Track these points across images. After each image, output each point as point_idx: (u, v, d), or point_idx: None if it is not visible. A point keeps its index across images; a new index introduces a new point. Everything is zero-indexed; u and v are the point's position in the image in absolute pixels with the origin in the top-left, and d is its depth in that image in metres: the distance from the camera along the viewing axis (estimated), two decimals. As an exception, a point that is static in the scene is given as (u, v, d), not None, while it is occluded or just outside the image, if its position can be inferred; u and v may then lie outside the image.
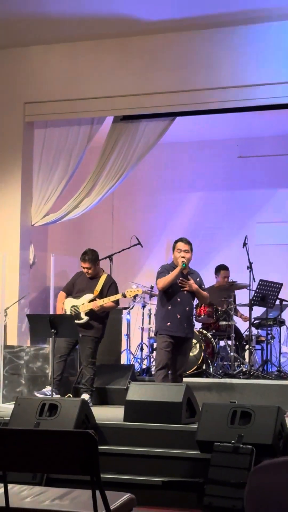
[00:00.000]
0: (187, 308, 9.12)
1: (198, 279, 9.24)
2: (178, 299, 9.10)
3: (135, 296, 11.91)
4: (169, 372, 9.19)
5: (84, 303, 9.81)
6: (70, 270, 10.45)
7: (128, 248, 11.83)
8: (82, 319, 9.76)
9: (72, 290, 10.03)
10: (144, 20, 10.80)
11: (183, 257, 9.04)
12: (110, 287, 9.91)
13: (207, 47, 10.86)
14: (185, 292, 9.08)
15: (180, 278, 8.97)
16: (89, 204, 11.75)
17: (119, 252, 11.67)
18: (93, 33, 11.19)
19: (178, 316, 9.07)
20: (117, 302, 9.90)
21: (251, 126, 12.73)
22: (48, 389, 9.52)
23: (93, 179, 11.72)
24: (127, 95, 11.25)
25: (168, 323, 9.22)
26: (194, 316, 9.73)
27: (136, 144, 11.61)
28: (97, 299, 9.75)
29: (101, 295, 9.80)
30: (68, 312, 9.81)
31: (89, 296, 9.84)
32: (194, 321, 9.24)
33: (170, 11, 10.55)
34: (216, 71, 10.79)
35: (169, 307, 9.19)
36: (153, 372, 11.67)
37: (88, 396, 9.81)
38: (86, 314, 9.78)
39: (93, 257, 9.91)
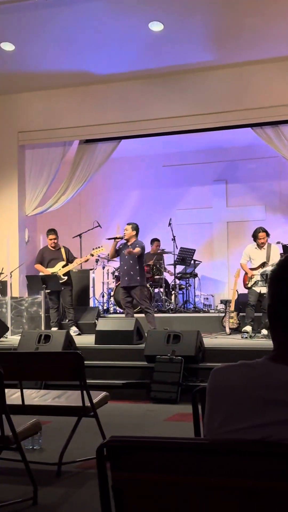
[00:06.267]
0: (125, 267, 9.05)
1: (137, 245, 9.02)
2: (122, 262, 9.17)
3: (97, 261, 11.89)
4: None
5: (60, 269, 9.78)
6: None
7: (92, 229, 11.74)
8: (63, 279, 9.71)
9: (43, 261, 9.95)
10: (98, 73, 10.65)
11: (124, 232, 9.12)
12: (69, 253, 10.06)
13: (141, 91, 10.72)
14: (126, 257, 9.03)
15: (125, 251, 8.96)
16: (65, 200, 11.58)
17: (85, 232, 11.59)
18: (63, 83, 10.96)
19: (122, 273, 9.19)
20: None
21: (172, 144, 12.66)
22: (55, 329, 9.49)
23: (67, 183, 11.56)
24: (88, 125, 11.06)
25: (120, 279, 9.44)
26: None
27: (94, 159, 11.47)
28: (69, 264, 9.81)
29: (67, 260, 9.86)
30: None
31: (62, 263, 9.83)
32: (137, 274, 8.94)
33: (114, 67, 10.40)
34: (149, 107, 10.66)
35: (119, 269, 9.37)
36: (111, 311, 11.73)
37: (76, 328, 9.79)
38: (64, 275, 9.76)
39: (55, 231, 10.01)
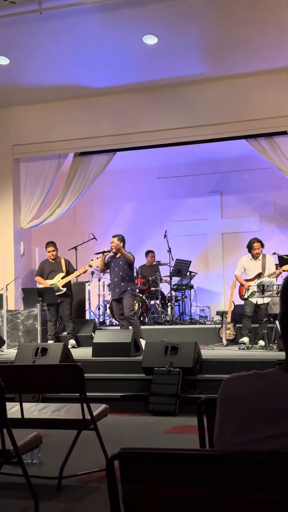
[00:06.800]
0: (116, 279, 9.14)
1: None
2: (112, 275, 9.24)
3: (92, 273, 11.87)
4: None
5: (59, 280, 9.75)
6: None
7: (87, 241, 11.74)
8: (62, 290, 9.69)
9: (42, 273, 9.94)
10: (92, 87, 10.70)
11: (111, 245, 9.15)
12: (70, 265, 10.03)
13: (135, 103, 10.77)
14: (116, 269, 9.11)
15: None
16: (60, 212, 11.57)
17: (81, 244, 11.59)
18: (57, 96, 11.00)
19: (112, 286, 9.28)
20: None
21: (167, 156, 12.69)
22: (51, 342, 9.43)
23: (62, 196, 11.55)
24: (82, 138, 11.10)
25: (110, 291, 9.55)
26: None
27: (89, 171, 11.48)
28: (70, 275, 9.78)
29: (67, 271, 9.82)
30: None
31: (61, 274, 9.80)
32: (126, 285, 9.05)
33: (109, 80, 10.45)
34: (143, 119, 10.71)
35: (109, 281, 9.43)
36: (107, 324, 11.69)
37: (74, 341, 9.75)
38: (63, 286, 9.73)
39: (54, 243, 9.97)
